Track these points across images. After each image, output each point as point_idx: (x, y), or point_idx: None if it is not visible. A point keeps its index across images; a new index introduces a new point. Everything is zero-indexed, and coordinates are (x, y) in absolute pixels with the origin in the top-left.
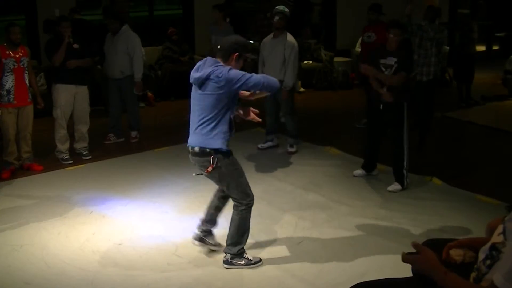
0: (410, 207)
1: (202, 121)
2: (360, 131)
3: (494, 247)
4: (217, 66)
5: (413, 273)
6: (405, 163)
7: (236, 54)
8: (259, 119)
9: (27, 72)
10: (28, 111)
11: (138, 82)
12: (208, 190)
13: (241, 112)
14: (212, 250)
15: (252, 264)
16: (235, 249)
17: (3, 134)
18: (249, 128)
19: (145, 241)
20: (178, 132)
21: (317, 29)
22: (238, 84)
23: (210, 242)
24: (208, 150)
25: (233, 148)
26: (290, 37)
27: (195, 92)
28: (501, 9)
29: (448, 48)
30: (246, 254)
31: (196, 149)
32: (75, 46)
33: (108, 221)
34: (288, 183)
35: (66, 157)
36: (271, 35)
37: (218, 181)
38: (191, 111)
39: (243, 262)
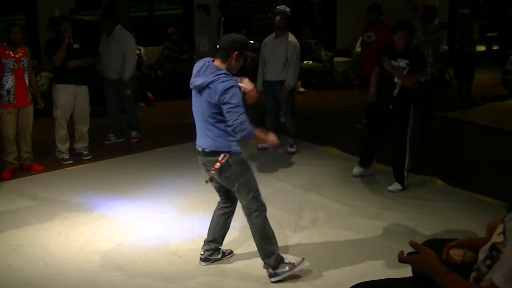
0: (410, 207)
1: (208, 125)
2: (360, 131)
3: (494, 247)
4: (218, 75)
5: (413, 273)
6: (406, 164)
7: (236, 52)
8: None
9: (27, 72)
10: (28, 111)
11: (125, 82)
12: (208, 190)
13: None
14: (214, 251)
15: (296, 266)
16: (271, 260)
17: (3, 134)
18: None
19: (145, 241)
20: (178, 132)
21: (317, 29)
22: (226, 108)
23: (218, 258)
24: (217, 151)
25: None
26: (292, 37)
27: (195, 97)
28: (501, 9)
29: (447, 48)
30: (286, 259)
31: (207, 150)
32: (76, 46)
33: (108, 221)
34: (288, 183)
35: (66, 157)
36: (273, 35)
37: (228, 181)
38: (194, 113)
39: (287, 268)
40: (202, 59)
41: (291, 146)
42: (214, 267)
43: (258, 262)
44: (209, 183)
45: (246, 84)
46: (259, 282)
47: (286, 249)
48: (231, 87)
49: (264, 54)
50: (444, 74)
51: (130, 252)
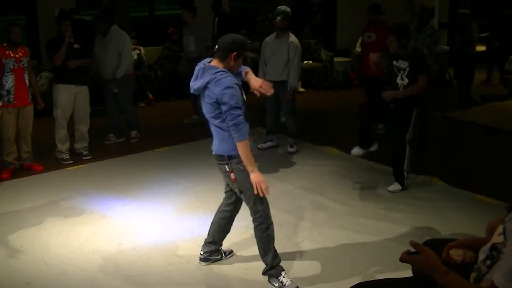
0: (410, 207)
1: (214, 127)
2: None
3: (494, 247)
4: (215, 73)
5: (413, 273)
6: (405, 165)
7: (234, 53)
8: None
9: (27, 72)
10: (28, 111)
11: (117, 79)
12: (208, 190)
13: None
14: (213, 252)
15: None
16: (265, 269)
17: (3, 134)
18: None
19: (145, 241)
20: (178, 132)
21: (317, 29)
22: (224, 108)
23: (218, 258)
24: (223, 155)
25: None
26: (293, 38)
27: (201, 100)
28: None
29: (448, 48)
30: (282, 276)
31: (215, 154)
32: (76, 46)
33: (108, 221)
34: (288, 183)
35: (66, 157)
36: (273, 34)
37: (232, 184)
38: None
39: (276, 284)
40: (201, 62)
41: (291, 146)
42: (214, 267)
43: (258, 263)
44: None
45: (254, 81)
46: (259, 282)
47: (286, 249)
48: (228, 87)
49: (265, 54)
50: (444, 74)
51: (130, 252)
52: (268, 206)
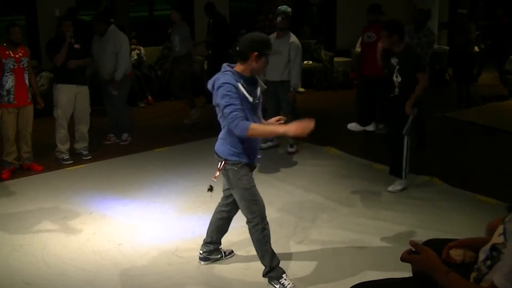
0: (410, 207)
1: (222, 127)
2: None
3: (494, 247)
4: (221, 73)
5: (413, 273)
6: (404, 154)
7: (255, 53)
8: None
9: (27, 72)
10: (28, 111)
11: (116, 81)
12: None
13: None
14: (212, 251)
15: None
16: (265, 271)
17: (3, 134)
18: None
19: (145, 241)
20: (178, 132)
21: (316, 29)
22: (221, 106)
23: (217, 257)
24: (220, 155)
25: None
26: (294, 38)
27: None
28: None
29: (448, 48)
30: (283, 279)
31: (215, 151)
32: (77, 46)
33: (108, 221)
34: (288, 183)
35: (66, 157)
36: (274, 35)
37: (231, 187)
38: None
39: (277, 286)
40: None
41: (291, 146)
42: (214, 267)
43: (258, 263)
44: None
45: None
46: (259, 283)
47: (286, 249)
48: (219, 87)
49: None
50: (444, 74)
51: (130, 252)
52: (264, 207)
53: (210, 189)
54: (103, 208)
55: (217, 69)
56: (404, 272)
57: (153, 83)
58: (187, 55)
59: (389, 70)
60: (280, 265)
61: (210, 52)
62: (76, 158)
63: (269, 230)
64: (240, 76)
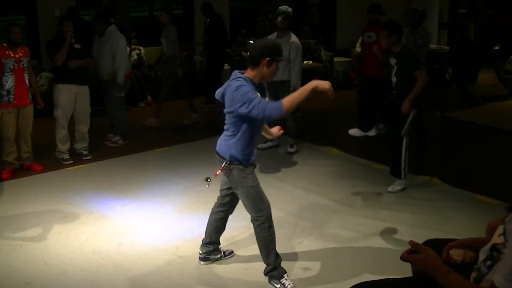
0: (410, 207)
1: (225, 128)
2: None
3: (494, 248)
4: (233, 79)
5: (413, 273)
6: (403, 154)
7: (267, 59)
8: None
9: (27, 72)
10: (28, 111)
11: (118, 85)
12: (208, 190)
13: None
14: (212, 251)
15: None
16: (267, 269)
17: (3, 134)
18: None
19: (145, 241)
20: (178, 132)
21: (316, 29)
22: (242, 108)
23: (217, 257)
24: (223, 156)
25: None
26: (294, 38)
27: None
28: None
29: (448, 48)
30: (284, 279)
31: (217, 150)
32: (77, 46)
33: (108, 221)
34: (288, 183)
35: (66, 157)
36: (274, 35)
37: (233, 187)
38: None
39: (278, 286)
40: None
41: (291, 146)
42: (214, 267)
43: (258, 263)
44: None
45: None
46: (259, 283)
47: (286, 249)
48: (238, 88)
49: None
50: (444, 74)
51: (130, 252)
52: (269, 206)
53: (207, 180)
54: (103, 208)
55: (215, 69)
56: (404, 272)
57: (153, 83)
58: (173, 57)
59: (388, 70)
60: (282, 266)
61: (207, 52)
62: (76, 158)
63: (274, 230)
64: (251, 82)
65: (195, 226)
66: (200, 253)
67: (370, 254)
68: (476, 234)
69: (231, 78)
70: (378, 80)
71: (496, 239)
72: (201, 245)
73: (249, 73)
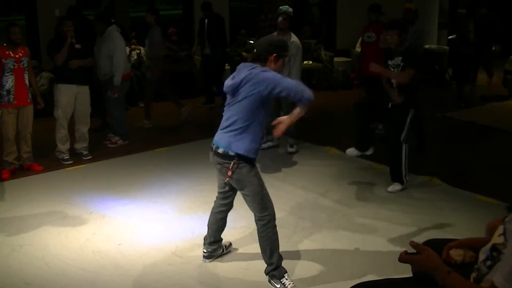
0: (410, 207)
1: (231, 123)
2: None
3: (494, 248)
4: (252, 68)
5: (413, 273)
6: (403, 162)
7: (274, 55)
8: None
9: (27, 72)
10: (28, 111)
11: (114, 86)
12: (208, 190)
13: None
14: (216, 249)
15: None
16: (269, 269)
17: (3, 134)
18: None
19: (145, 241)
20: (178, 132)
21: (316, 29)
22: (271, 86)
23: (219, 252)
24: (231, 153)
25: None
26: (295, 38)
27: (229, 101)
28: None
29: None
30: (285, 279)
31: (220, 150)
32: (78, 46)
33: (108, 221)
34: (288, 183)
35: (66, 157)
36: (274, 34)
37: (239, 186)
38: (225, 112)
39: (278, 286)
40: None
41: (291, 146)
42: (214, 267)
43: (258, 263)
44: (217, 178)
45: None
46: (259, 283)
47: (286, 249)
48: (263, 71)
49: None
50: (444, 74)
51: (130, 252)
52: (273, 205)
53: (227, 183)
54: (103, 208)
55: (214, 70)
56: (404, 272)
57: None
58: (157, 58)
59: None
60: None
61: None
62: (76, 158)
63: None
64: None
65: (195, 226)
66: (204, 252)
67: (370, 254)
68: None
69: (250, 66)
70: (378, 80)
71: (496, 239)
72: (205, 245)
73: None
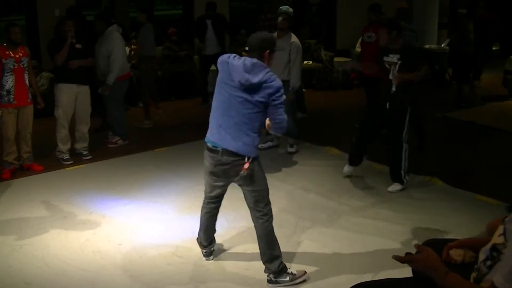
0: (410, 207)
1: (238, 125)
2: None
3: (494, 248)
4: (268, 72)
5: (413, 273)
6: (403, 163)
7: (268, 51)
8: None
9: (27, 72)
10: (28, 111)
11: (107, 85)
12: None
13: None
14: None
15: (297, 278)
16: (274, 266)
17: (3, 134)
18: None
19: (145, 241)
20: (178, 132)
21: (316, 29)
22: (278, 101)
23: (214, 246)
24: (241, 152)
25: None
26: (294, 38)
27: (233, 93)
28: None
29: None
30: (289, 269)
31: (232, 148)
32: (78, 46)
33: (108, 221)
34: (288, 183)
35: (67, 157)
36: (274, 34)
37: (249, 182)
38: (218, 109)
39: (287, 278)
40: (240, 58)
41: (291, 146)
42: (214, 267)
43: (259, 263)
44: (209, 178)
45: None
46: (259, 283)
47: (286, 249)
48: (280, 87)
49: None
50: (444, 74)
51: (130, 252)
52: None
53: (244, 173)
54: (103, 208)
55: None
56: (404, 272)
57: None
58: (149, 57)
59: (384, 69)
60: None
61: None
62: (76, 158)
63: None
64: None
65: (195, 226)
66: (204, 253)
67: (370, 254)
68: (476, 234)
69: (264, 71)
70: (378, 80)
71: (496, 239)
72: (205, 246)
73: None
